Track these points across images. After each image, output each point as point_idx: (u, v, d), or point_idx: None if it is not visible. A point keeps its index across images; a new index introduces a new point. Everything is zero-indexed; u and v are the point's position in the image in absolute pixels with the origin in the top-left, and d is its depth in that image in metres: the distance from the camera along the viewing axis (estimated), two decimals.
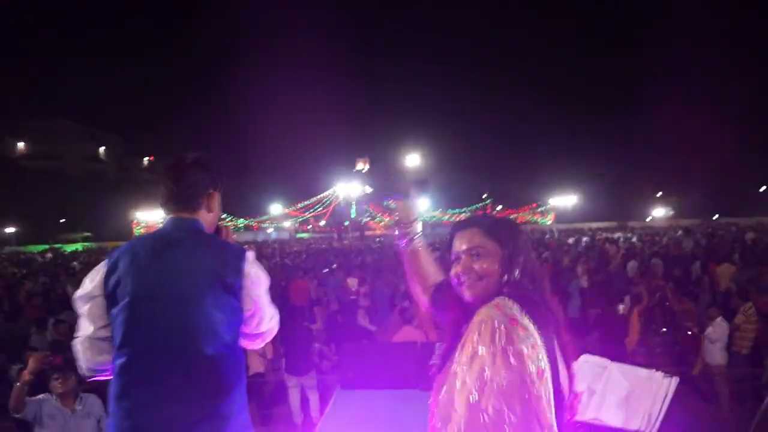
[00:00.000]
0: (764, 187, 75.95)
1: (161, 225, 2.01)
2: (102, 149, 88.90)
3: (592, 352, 2.09)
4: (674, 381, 1.81)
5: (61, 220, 64.98)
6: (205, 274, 1.81)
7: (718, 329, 7.04)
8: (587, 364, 1.95)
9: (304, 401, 6.93)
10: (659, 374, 1.84)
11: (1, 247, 46.49)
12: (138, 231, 47.04)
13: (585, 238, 28.33)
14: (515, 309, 1.42)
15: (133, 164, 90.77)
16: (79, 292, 1.90)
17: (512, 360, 1.32)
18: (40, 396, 4.48)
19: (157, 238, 1.93)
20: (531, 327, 1.39)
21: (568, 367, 1.48)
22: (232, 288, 1.83)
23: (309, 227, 72.90)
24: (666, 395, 1.77)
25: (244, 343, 1.95)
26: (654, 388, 1.79)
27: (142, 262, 1.84)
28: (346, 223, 60.91)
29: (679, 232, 27.72)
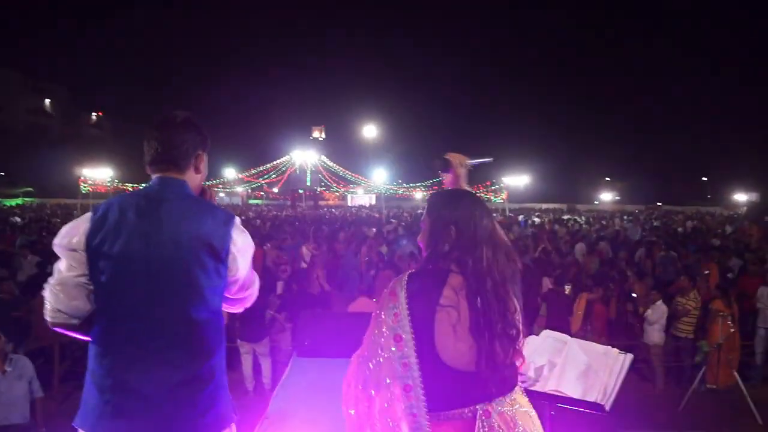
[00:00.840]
0: (705, 178, 79.06)
1: (148, 184, 1.96)
2: (47, 102, 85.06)
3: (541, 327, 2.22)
4: (628, 357, 1.92)
5: None
6: (194, 238, 1.79)
7: (657, 311, 7.39)
8: (549, 339, 2.04)
9: (256, 368, 6.96)
10: (615, 350, 1.95)
11: None
12: (85, 188, 45.36)
13: (535, 219, 28.99)
14: (402, 282, 1.69)
15: (80, 119, 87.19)
16: (59, 241, 1.85)
17: (376, 323, 1.68)
18: None
19: (144, 197, 1.88)
20: (402, 299, 1.65)
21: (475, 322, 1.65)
22: (220, 253, 1.82)
23: (262, 194, 72.09)
24: (621, 370, 1.88)
25: (225, 307, 1.95)
26: (610, 363, 1.90)
27: (129, 222, 1.81)
28: (301, 191, 60.51)
29: (625, 218, 28.71)
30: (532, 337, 2.08)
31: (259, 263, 11.87)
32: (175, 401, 1.75)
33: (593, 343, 2.01)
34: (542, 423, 1.82)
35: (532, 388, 1.87)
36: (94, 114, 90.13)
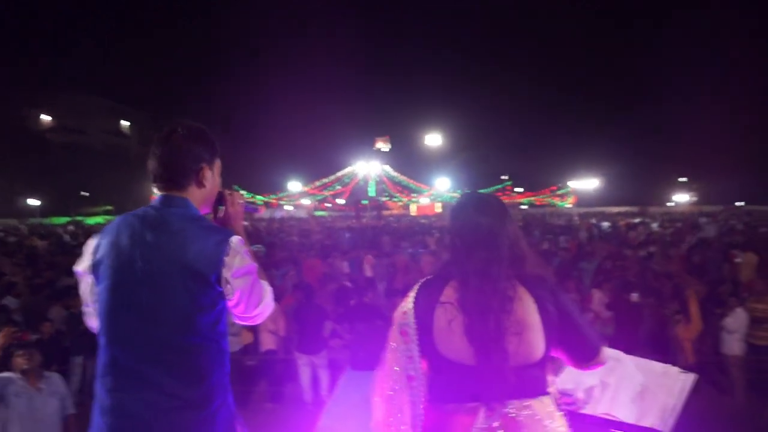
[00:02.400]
0: None
1: (152, 202, 1.93)
2: (126, 123, 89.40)
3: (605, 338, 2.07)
4: (691, 377, 1.73)
5: (82, 193, 65.74)
6: (183, 263, 1.74)
7: (737, 319, 6.90)
8: None
9: (315, 380, 6.94)
10: (675, 369, 1.77)
11: (25, 219, 47.16)
12: None
13: (605, 223, 27.97)
14: (417, 285, 1.87)
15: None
16: (76, 267, 1.90)
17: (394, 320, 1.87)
18: (5, 374, 4.44)
19: (142, 218, 1.85)
20: (411, 297, 1.83)
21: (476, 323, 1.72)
22: (210, 278, 1.75)
23: (328, 205, 73.02)
24: (682, 391, 1.70)
25: (241, 322, 1.93)
26: (669, 384, 1.71)
27: (122, 244, 1.79)
28: (364, 202, 60.88)
29: (703, 220, 27.31)
30: None
31: (317, 274, 11.94)
32: (169, 426, 1.71)
33: (651, 362, 1.83)
34: None
35: (582, 411, 1.72)
36: None
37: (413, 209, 68.07)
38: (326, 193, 70.54)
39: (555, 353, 1.78)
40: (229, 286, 1.79)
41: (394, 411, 1.76)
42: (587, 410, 1.71)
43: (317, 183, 68.98)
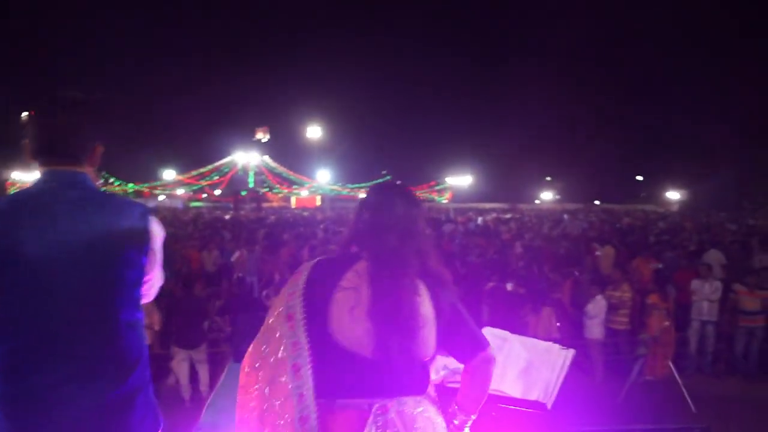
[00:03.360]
0: (640, 177, 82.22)
1: (40, 181, 1.68)
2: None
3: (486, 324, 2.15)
4: (570, 353, 1.86)
5: None
6: (114, 233, 1.60)
7: (597, 306, 7.52)
8: (489, 336, 1.96)
9: (193, 375, 6.68)
10: (557, 347, 1.88)
11: None
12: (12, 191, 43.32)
13: (480, 218, 29.36)
14: (310, 264, 1.74)
15: (12, 119, 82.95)
16: None
17: (276, 302, 1.72)
18: None
19: (39, 197, 1.63)
20: (302, 280, 1.69)
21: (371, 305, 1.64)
22: (143, 250, 1.66)
23: (204, 196, 70.51)
24: (563, 366, 1.81)
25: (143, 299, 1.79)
26: (552, 360, 1.83)
27: (27, 228, 1.56)
28: (243, 193, 59.40)
29: (566, 216, 29.52)
30: None
31: (198, 266, 11.53)
32: (110, 414, 1.58)
33: (535, 340, 1.94)
34: (485, 425, 1.73)
35: None
36: (24, 112, 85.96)
37: (293, 201, 67.54)
38: (203, 183, 68.07)
39: (443, 351, 1.75)
40: (154, 255, 1.70)
41: (271, 403, 1.60)
42: None
43: (194, 172, 66.34)
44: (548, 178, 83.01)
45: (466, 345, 1.73)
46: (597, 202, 67.17)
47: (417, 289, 1.66)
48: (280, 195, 71.31)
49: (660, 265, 9.84)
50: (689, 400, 6.54)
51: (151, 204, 58.54)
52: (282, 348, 1.62)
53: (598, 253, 11.76)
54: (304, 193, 70.58)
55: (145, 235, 1.66)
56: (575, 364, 7.10)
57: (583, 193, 72.22)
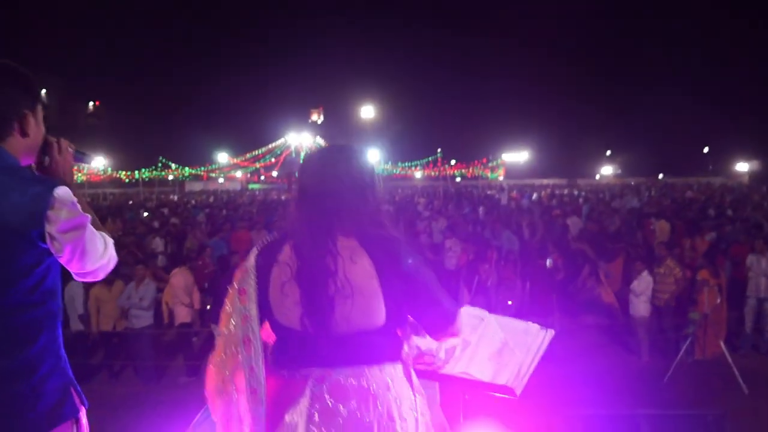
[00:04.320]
0: (707, 148, 78.47)
1: None
2: (42, 92, 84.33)
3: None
4: (549, 333, 1.72)
5: None
6: (3, 216, 1.54)
7: (642, 283, 7.20)
8: (466, 316, 1.84)
9: None
10: (536, 326, 1.74)
11: None
12: (80, 178, 45.30)
13: (534, 194, 28.73)
14: (260, 244, 1.72)
15: (76, 109, 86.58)
16: None
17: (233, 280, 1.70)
18: None
19: None
20: (252, 257, 1.67)
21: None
22: (30, 235, 1.57)
23: (262, 178, 71.79)
24: (539, 348, 1.68)
25: (81, 279, 1.76)
26: (528, 341, 1.70)
27: None
28: (297, 174, 60.06)
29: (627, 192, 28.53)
30: None
31: (245, 246, 11.71)
32: None
33: (514, 319, 1.80)
34: (458, 409, 1.64)
35: (442, 372, 1.68)
36: (91, 103, 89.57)
37: None
38: (258, 164, 69.22)
39: (407, 321, 1.66)
40: (56, 242, 1.60)
41: (224, 376, 1.62)
42: (446, 370, 1.67)
43: (248, 155, 67.51)
44: (608, 152, 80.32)
45: (428, 318, 1.64)
46: (661, 176, 64.58)
47: (347, 254, 1.57)
48: None
49: (709, 238, 9.35)
50: (741, 381, 6.20)
51: (210, 187, 60.10)
52: (233, 323, 1.64)
53: (653, 228, 11.30)
54: None
55: (35, 219, 1.56)
56: (621, 343, 6.81)
57: (646, 166, 69.56)
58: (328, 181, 1.64)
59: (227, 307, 1.66)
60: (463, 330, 1.75)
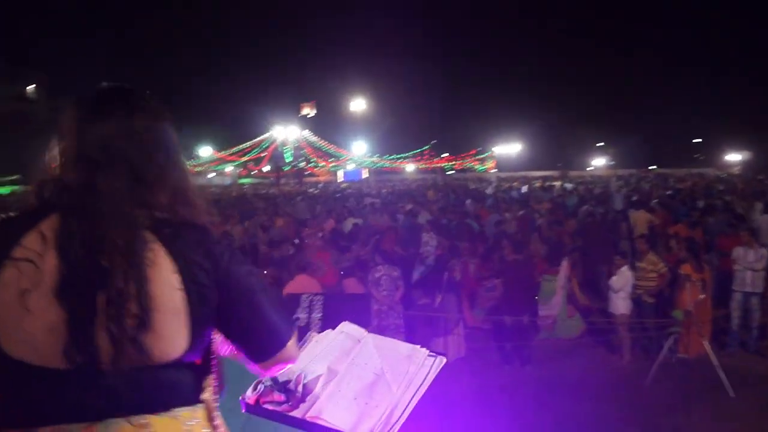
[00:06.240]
0: (698, 140, 78.36)
1: None
2: (30, 88, 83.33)
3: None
4: (439, 361, 1.29)
5: None
6: None
7: (621, 278, 6.79)
8: (342, 335, 1.41)
9: None
10: (424, 352, 1.30)
11: None
12: None
13: (524, 187, 28.23)
14: None
15: (61, 105, 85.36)
16: None
17: None
18: None
19: None
20: None
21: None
22: None
23: (254, 172, 71.10)
24: (425, 380, 1.26)
25: None
26: (411, 372, 1.27)
27: None
28: (285, 168, 59.50)
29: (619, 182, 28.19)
30: (327, 333, 1.44)
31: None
32: None
33: (399, 342, 1.37)
34: None
35: (291, 414, 1.24)
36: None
37: (340, 175, 67.33)
38: (245, 158, 68.41)
39: (213, 344, 1.19)
40: None
41: None
42: (296, 413, 1.24)
43: (234, 149, 66.62)
44: (600, 144, 79.88)
45: (249, 342, 1.18)
46: (652, 168, 64.26)
47: (145, 254, 1.05)
48: (324, 170, 71.14)
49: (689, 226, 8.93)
50: (726, 383, 5.79)
51: (201, 181, 59.31)
52: None
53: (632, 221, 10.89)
54: (350, 166, 70.09)
55: None
56: (603, 342, 6.39)
57: (639, 158, 69.16)
58: (102, 137, 1.12)
59: None
60: (335, 355, 1.32)
